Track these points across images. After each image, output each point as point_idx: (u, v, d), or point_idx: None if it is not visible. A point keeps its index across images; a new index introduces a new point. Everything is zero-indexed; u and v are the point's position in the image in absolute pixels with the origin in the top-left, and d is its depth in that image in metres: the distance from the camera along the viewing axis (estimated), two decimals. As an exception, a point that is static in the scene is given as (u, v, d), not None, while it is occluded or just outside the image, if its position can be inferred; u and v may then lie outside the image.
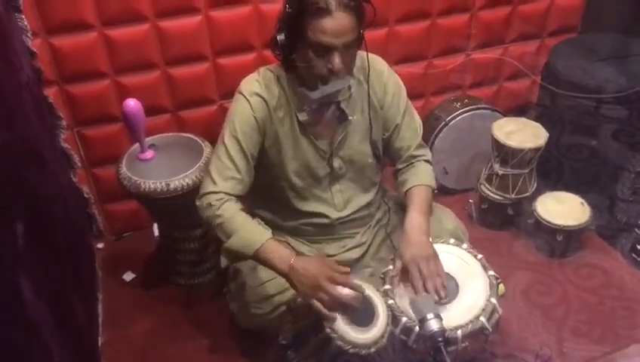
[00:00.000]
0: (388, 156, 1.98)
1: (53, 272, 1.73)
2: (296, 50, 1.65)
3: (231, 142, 1.73)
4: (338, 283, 1.55)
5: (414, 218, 1.75)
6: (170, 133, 2.36)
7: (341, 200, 1.92)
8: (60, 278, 1.83)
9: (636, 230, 2.45)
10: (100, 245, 2.65)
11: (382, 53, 2.56)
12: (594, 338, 2.17)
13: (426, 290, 1.61)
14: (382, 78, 1.85)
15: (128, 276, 2.52)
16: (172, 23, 2.26)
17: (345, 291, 1.55)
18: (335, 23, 1.55)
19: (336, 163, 1.86)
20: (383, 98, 1.85)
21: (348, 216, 1.94)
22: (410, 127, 1.91)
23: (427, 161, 1.93)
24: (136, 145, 2.23)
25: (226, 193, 1.71)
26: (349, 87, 1.77)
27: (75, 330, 1.86)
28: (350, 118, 1.79)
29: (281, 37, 1.65)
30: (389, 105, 1.86)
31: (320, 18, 1.54)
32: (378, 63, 1.86)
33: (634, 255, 2.47)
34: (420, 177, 1.87)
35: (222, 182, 1.71)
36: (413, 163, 1.92)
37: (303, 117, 1.76)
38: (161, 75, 2.36)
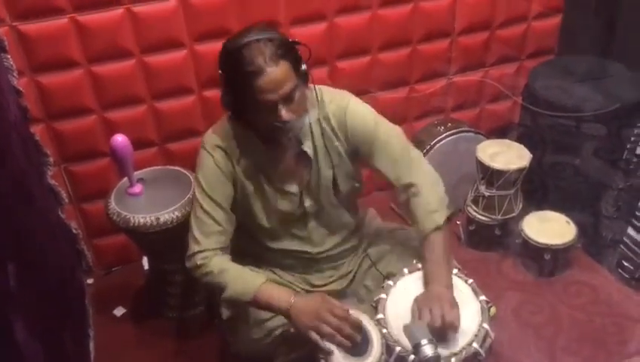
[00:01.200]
0: (385, 182, 1.88)
1: (44, 310, 1.73)
2: (243, 108, 1.64)
3: (203, 198, 1.73)
4: (339, 317, 1.57)
5: (432, 272, 1.70)
6: (158, 167, 2.37)
7: (319, 236, 1.91)
8: (51, 316, 1.82)
9: (621, 246, 2.49)
10: (90, 281, 2.63)
11: (365, 80, 2.63)
12: (585, 356, 2.19)
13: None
14: (340, 113, 1.76)
15: (119, 311, 2.51)
16: (157, 57, 2.29)
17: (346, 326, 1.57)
18: (269, 79, 1.52)
19: (308, 203, 1.84)
20: (345, 134, 1.77)
21: (329, 249, 1.94)
22: (386, 152, 1.79)
23: (422, 186, 1.79)
24: (125, 179, 2.23)
25: (211, 249, 1.72)
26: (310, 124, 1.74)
27: (67, 369, 1.85)
28: (312, 158, 1.76)
29: (226, 98, 1.64)
30: (354, 139, 1.78)
31: (254, 79, 1.52)
32: (336, 99, 1.78)
33: (620, 271, 2.51)
34: (420, 225, 1.75)
35: (204, 239, 1.72)
36: (407, 202, 1.79)
37: (260, 167, 1.76)
38: (148, 109, 2.38)
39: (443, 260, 1.72)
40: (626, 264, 2.48)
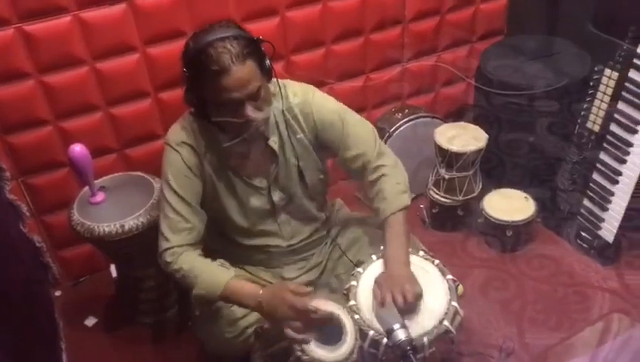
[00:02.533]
0: (353, 175, 1.92)
1: (12, 327, 1.70)
2: (208, 106, 1.64)
3: (171, 196, 1.73)
4: (305, 307, 1.59)
5: (391, 251, 1.74)
6: (119, 173, 2.34)
7: (289, 230, 1.93)
8: (20, 332, 1.79)
9: (579, 218, 2.58)
10: (58, 293, 2.60)
11: (321, 72, 2.64)
12: (552, 325, 2.27)
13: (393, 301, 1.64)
14: (305, 107, 1.79)
15: (90, 321, 2.48)
16: (110, 63, 2.26)
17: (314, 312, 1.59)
18: (235, 78, 1.53)
19: (276, 196, 1.86)
20: (312, 127, 1.81)
21: (299, 241, 1.96)
22: (357, 138, 1.83)
23: (392, 168, 1.85)
24: (86, 188, 2.21)
25: (179, 246, 1.72)
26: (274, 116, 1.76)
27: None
28: (278, 155, 1.78)
29: (189, 95, 1.64)
30: (322, 130, 1.81)
31: (219, 78, 1.52)
32: (300, 93, 1.80)
33: (579, 241, 2.60)
34: (389, 203, 1.79)
35: (173, 236, 1.72)
36: (376, 181, 1.84)
37: (227, 162, 1.76)
38: (104, 116, 2.35)
39: (403, 239, 1.77)
40: (584, 234, 2.57)
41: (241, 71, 1.54)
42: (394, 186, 1.82)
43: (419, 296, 1.65)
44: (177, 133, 1.74)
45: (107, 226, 2.06)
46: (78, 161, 2.06)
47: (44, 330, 2.13)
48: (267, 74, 1.64)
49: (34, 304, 2.12)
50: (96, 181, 2.20)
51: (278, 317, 1.61)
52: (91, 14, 2.15)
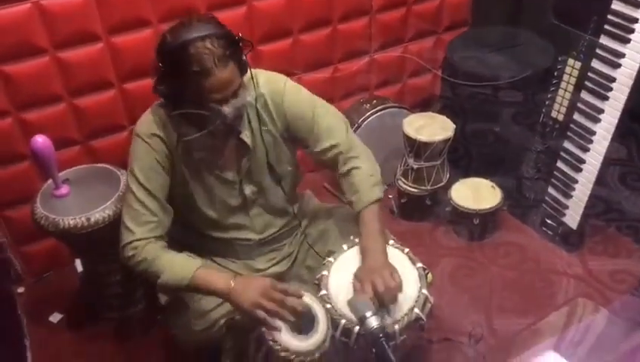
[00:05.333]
0: (324, 166, 1.92)
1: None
2: (182, 101, 1.59)
3: (137, 188, 1.68)
4: (281, 291, 1.58)
5: (367, 242, 1.74)
6: (84, 166, 2.29)
7: (260, 223, 1.91)
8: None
9: (543, 205, 2.63)
10: (21, 289, 2.53)
11: (289, 63, 2.62)
12: (519, 311, 2.31)
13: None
14: (277, 97, 1.76)
15: (55, 317, 2.43)
16: (72, 52, 2.20)
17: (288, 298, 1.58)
18: (217, 79, 1.51)
19: (248, 190, 1.84)
20: (283, 118, 1.78)
21: (271, 235, 1.94)
22: (328, 130, 1.82)
23: (363, 160, 1.84)
24: (50, 181, 2.15)
25: (144, 238, 1.67)
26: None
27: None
28: (250, 147, 1.76)
29: (161, 88, 1.59)
30: (293, 121, 1.79)
31: (200, 80, 1.50)
32: (272, 83, 1.78)
33: (544, 228, 2.65)
34: (363, 195, 1.78)
35: (138, 228, 1.67)
36: (348, 173, 1.82)
37: (198, 155, 1.73)
38: (67, 107, 2.29)
39: (379, 231, 1.77)
40: (549, 222, 2.62)
41: (224, 73, 1.51)
42: (367, 179, 1.81)
43: (399, 285, 1.65)
44: (148, 124, 1.70)
45: (72, 219, 2.01)
46: (40, 153, 2.00)
47: (6, 327, 2.08)
48: (243, 69, 1.62)
49: (-5, 301, 2.07)
50: (60, 173, 2.15)
51: (249, 299, 1.57)
52: (51, 1, 2.09)
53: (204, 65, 1.48)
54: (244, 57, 1.60)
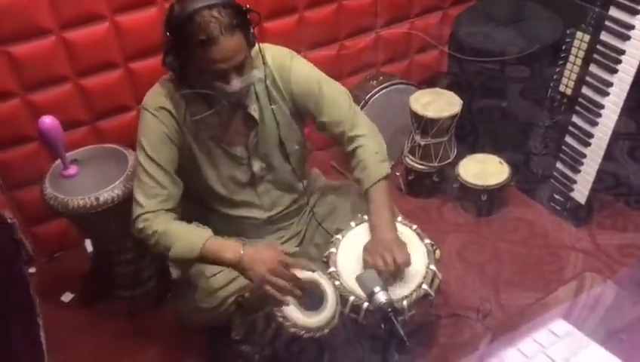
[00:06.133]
0: (331, 140, 1.92)
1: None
2: (190, 72, 1.60)
3: (146, 161, 1.68)
4: (288, 265, 1.59)
5: (376, 219, 1.75)
6: (92, 146, 2.30)
7: (268, 200, 1.92)
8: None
9: (552, 180, 2.62)
10: (32, 269, 2.55)
11: (294, 40, 2.60)
12: (527, 286, 2.32)
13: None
14: (284, 73, 1.77)
15: (67, 297, 2.46)
16: (78, 32, 2.20)
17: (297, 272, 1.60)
18: (222, 48, 1.50)
19: (256, 166, 1.84)
20: (290, 94, 1.79)
21: (279, 213, 1.95)
22: (333, 106, 1.81)
23: (369, 137, 1.84)
24: (58, 162, 2.16)
25: (153, 211, 1.67)
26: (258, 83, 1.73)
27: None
28: (258, 120, 1.76)
29: (169, 60, 1.60)
30: (300, 96, 1.79)
31: (206, 48, 1.50)
32: (279, 58, 1.77)
33: (552, 204, 2.64)
34: (370, 173, 1.79)
35: (148, 201, 1.68)
36: (355, 151, 1.83)
37: (206, 130, 1.73)
38: (73, 88, 2.29)
39: (387, 207, 1.77)
40: (557, 197, 2.62)
41: (230, 42, 1.51)
42: (373, 156, 1.82)
43: (409, 259, 1.67)
44: (155, 97, 1.69)
45: (81, 199, 2.02)
46: (48, 133, 2.01)
47: (19, 307, 2.11)
48: (251, 43, 1.62)
49: (7, 282, 2.09)
50: (68, 154, 2.15)
51: (259, 271, 1.58)
52: (56, -18, 2.09)
53: (210, 34, 1.48)
54: (251, 29, 1.60)
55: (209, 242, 1.65)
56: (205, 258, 1.66)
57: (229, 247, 1.64)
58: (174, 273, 1.86)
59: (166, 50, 1.59)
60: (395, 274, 1.65)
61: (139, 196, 1.69)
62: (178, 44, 1.55)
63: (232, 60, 1.54)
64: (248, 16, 1.57)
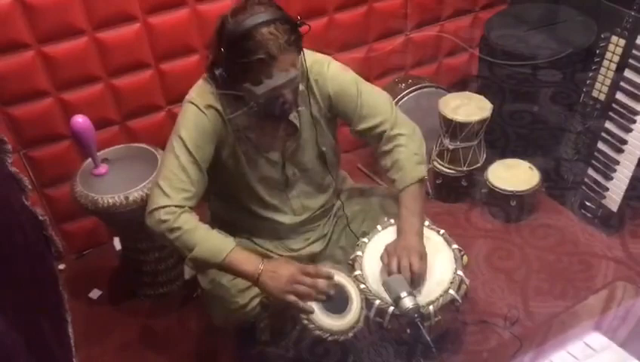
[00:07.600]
0: (369, 143, 1.89)
1: (18, 300, 1.70)
2: (239, 86, 1.59)
3: (183, 153, 1.65)
4: (309, 273, 1.58)
5: (405, 222, 1.73)
6: (122, 145, 2.33)
7: (299, 205, 1.91)
8: (27, 305, 1.79)
9: (583, 187, 2.57)
10: (62, 266, 2.60)
11: (323, 42, 2.61)
12: (556, 294, 2.28)
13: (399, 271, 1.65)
14: (320, 78, 1.76)
15: (95, 293, 2.49)
16: (110, 33, 2.23)
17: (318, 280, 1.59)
18: (281, 66, 1.51)
19: (290, 171, 1.84)
20: (327, 99, 1.78)
21: (307, 217, 1.94)
22: (374, 108, 1.80)
23: (409, 137, 1.81)
24: (89, 160, 2.19)
25: (180, 206, 1.63)
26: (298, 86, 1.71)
27: (48, 355, 1.83)
28: (298, 127, 1.76)
29: (219, 72, 1.58)
30: (337, 101, 1.78)
31: (265, 67, 1.50)
32: (316, 64, 1.75)
33: (583, 211, 2.59)
34: (405, 174, 1.77)
35: (175, 194, 1.63)
36: (392, 151, 1.80)
37: (246, 133, 1.73)
38: (105, 87, 2.33)
39: (418, 213, 1.75)
40: (588, 204, 2.57)
41: (287, 58, 1.51)
42: (411, 157, 1.79)
43: (424, 269, 1.65)
44: (204, 95, 1.68)
45: (111, 198, 2.05)
46: (81, 133, 2.04)
47: (48, 302, 2.14)
48: (299, 52, 1.61)
49: (38, 277, 2.12)
50: (98, 153, 2.18)
51: (280, 283, 1.57)
52: (90, -17, 2.12)
53: (270, 52, 1.48)
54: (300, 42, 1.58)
55: (235, 251, 1.63)
56: (227, 265, 1.63)
57: (251, 261, 1.62)
58: (187, 273, 1.86)
59: (215, 62, 1.59)
60: (411, 279, 1.63)
61: (165, 187, 1.64)
62: (232, 58, 1.53)
63: (288, 75, 1.54)
64: (300, 30, 1.56)
